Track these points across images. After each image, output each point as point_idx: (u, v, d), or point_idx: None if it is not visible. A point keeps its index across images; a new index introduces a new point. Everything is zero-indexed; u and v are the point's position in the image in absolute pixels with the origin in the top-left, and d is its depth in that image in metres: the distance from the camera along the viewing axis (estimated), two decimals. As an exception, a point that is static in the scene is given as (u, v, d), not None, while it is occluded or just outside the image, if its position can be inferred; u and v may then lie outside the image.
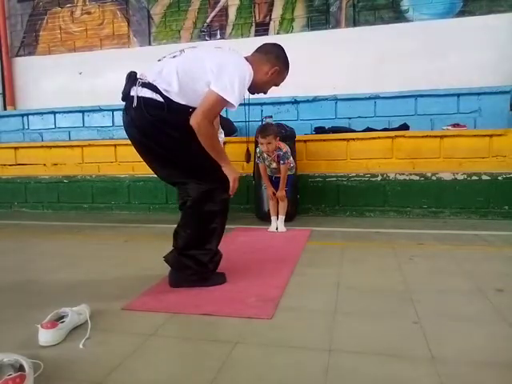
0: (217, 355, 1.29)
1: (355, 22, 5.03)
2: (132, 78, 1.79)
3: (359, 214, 3.94)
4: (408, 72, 4.73)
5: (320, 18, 5.14)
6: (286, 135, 3.65)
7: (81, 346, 1.36)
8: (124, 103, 1.83)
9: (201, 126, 1.73)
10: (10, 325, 1.57)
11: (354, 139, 4.05)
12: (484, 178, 3.70)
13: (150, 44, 5.67)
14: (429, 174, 3.80)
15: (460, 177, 3.74)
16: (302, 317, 1.60)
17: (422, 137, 3.90)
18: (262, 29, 5.32)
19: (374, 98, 4.73)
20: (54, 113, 5.83)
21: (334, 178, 3.99)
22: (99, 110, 5.52)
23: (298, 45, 4.82)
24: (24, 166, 4.95)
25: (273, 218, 3.35)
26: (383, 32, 4.88)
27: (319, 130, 4.45)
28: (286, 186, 3.29)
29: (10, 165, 4.99)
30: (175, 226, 1.92)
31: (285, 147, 3.26)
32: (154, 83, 1.73)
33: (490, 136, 3.77)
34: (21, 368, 1.12)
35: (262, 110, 5.00)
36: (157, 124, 1.75)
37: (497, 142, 3.75)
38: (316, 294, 1.83)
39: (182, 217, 1.91)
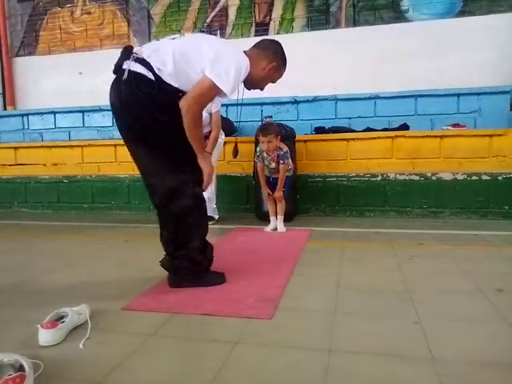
0: (217, 355, 1.29)
1: (355, 22, 5.02)
2: (127, 52, 1.75)
3: (359, 214, 3.94)
4: (408, 72, 4.73)
5: (320, 18, 5.14)
6: (286, 135, 3.65)
7: (81, 346, 1.36)
8: (115, 76, 1.77)
9: (189, 110, 1.70)
10: (10, 325, 1.57)
11: (354, 139, 4.05)
12: (484, 177, 3.70)
13: (149, 44, 5.66)
14: (429, 174, 3.80)
15: (460, 177, 3.74)
16: (301, 317, 1.60)
17: (422, 137, 3.90)
18: (262, 29, 5.32)
19: (374, 98, 4.72)
20: (54, 113, 5.82)
21: (334, 178, 3.99)
22: (99, 110, 5.52)
23: (298, 45, 4.82)
24: (24, 165, 4.95)
25: (272, 219, 3.35)
26: (383, 32, 4.87)
27: (319, 130, 4.44)
28: (284, 186, 3.27)
29: (10, 165, 4.99)
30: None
31: (285, 147, 3.26)
32: (148, 60, 1.70)
33: (490, 136, 3.76)
34: (21, 368, 1.12)
35: (261, 110, 4.99)
36: (144, 102, 1.70)
37: (497, 141, 3.75)
38: (316, 294, 1.83)
39: (159, 217, 1.90)
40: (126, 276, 2.18)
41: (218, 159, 3.84)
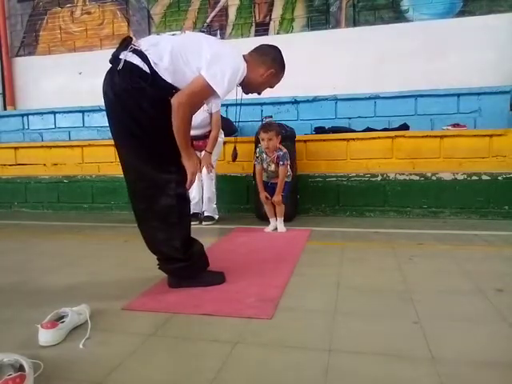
0: (217, 355, 1.29)
1: (355, 22, 5.03)
2: (125, 43, 1.74)
3: (359, 214, 3.94)
4: (408, 72, 4.73)
5: (320, 18, 5.14)
6: (286, 135, 3.65)
7: (81, 346, 1.36)
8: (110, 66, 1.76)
9: (180, 107, 1.69)
10: (10, 325, 1.57)
11: (354, 139, 4.04)
12: (484, 177, 3.70)
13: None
14: (429, 174, 3.80)
15: (460, 177, 3.74)
16: (301, 317, 1.59)
17: (422, 137, 3.90)
18: (262, 29, 5.32)
19: (374, 98, 4.72)
20: (54, 113, 5.83)
21: (334, 178, 3.99)
22: (99, 109, 5.50)
23: (298, 45, 4.84)
24: (24, 165, 4.94)
25: (271, 220, 3.34)
26: (383, 32, 4.88)
27: (319, 130, 4.44)
28: (283, 191, 3.23)
29: (10, 165, 4.99)
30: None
31: (284, 149, 3.25)
32: (146, 53, 1.70)
33: (490, 136, 3.76)
34: (21, 368, 1.12)
35: (261, 110, 5.00)
36: (134, 93, 1.69)
37: (497, 141, 3.75)
38: (316, 294, 1.83)
39: (143, 218, 1.89)
40: (126, 276, 2.18)
41: (218, 159, 3.84)
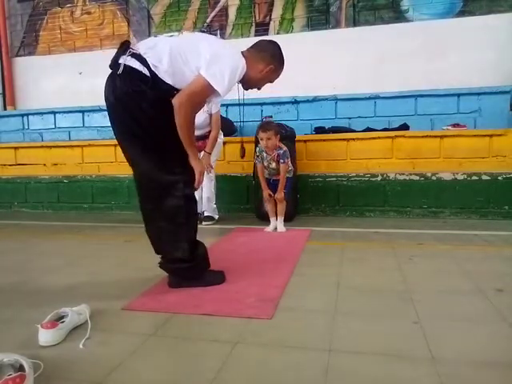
0: (217, 355, 1.29)
1: (355, 22, 5.02)
2: (124, 47, 1.75)
3: (359, 214, 3.94)
4: (408, 72, 4.73)
5: (320, 18, 5.14)
6: (286, 135, 3.65)
7: (81, 346, 1.36)
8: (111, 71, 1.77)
9: (181, 107, 1.69)
10: (10, 325, 1.57)
11: (354, 139, 4.05)
12: (484, 177, 3.70)
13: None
14: (429, 174, 3.80)
15: (460, 177, 3.74)
16: (301, 317, 1.59)
17: (422, 137, 3.90)
18: (262, 29, 5.32)
19: (374, 98, 4.72)
20: (54, 113, 5.82)
21: (334, 178, 3.99)
22: (99, 110, 5.50)
23: (298, 45, 4.83)
24: (24, 165, 4.94)
25: (272, 219, 3.35)
26: (383, 32, 4.87)
27: (319, 130, 4.44)
28: (285, 188, 3.26)
29: (10, 165, 4.99)
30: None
31: (284, 147, 3.26)
32: (144, 56, 1.70)
33: (490, 136, 3.76)
34: (21, 368, 1.12)
35: (261, 110, 4.99)
36: (135, 96, 1.70)
37: (497, 142, 3.75)
38: (316, 294, 1.83)
39: (150, 217, 1.89)
40: (126, 276, 2.18)
41: (218, 159, 3.84)
